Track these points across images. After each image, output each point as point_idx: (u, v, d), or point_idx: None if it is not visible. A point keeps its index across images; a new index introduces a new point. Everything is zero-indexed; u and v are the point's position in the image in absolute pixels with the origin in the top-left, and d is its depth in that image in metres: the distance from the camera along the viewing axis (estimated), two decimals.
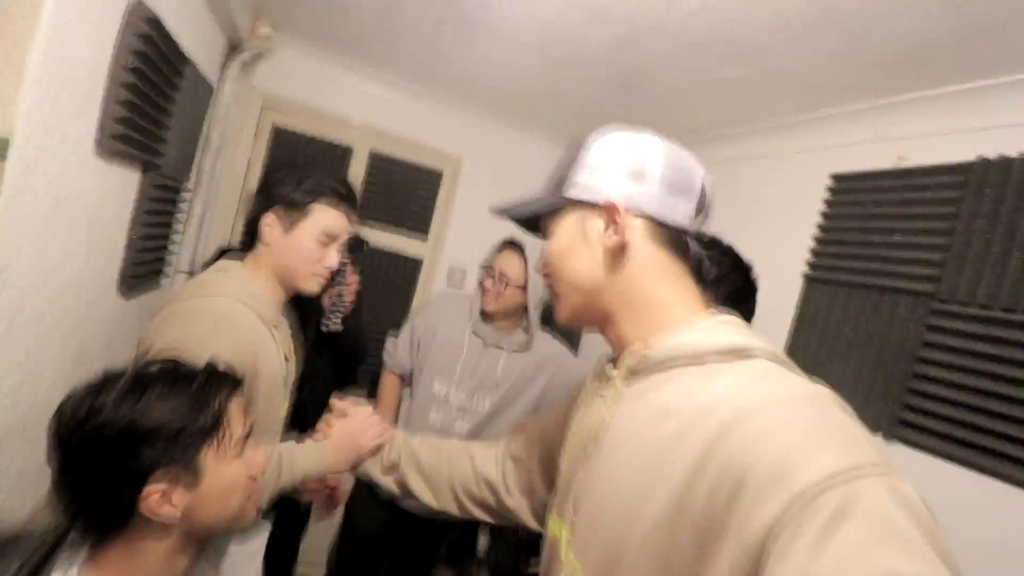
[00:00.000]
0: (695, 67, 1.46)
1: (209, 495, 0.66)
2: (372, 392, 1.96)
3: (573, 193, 0.62)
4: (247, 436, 0.73)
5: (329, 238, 1.07)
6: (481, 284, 1.63)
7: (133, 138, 1.18)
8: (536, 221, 0.70)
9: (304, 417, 1.69)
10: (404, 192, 2.34)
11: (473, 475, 0.91)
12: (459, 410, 1.64)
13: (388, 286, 2.35)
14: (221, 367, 0.73)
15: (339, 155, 2.23)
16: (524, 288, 1.61)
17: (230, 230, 2.13)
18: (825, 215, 1.53)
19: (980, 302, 1.12)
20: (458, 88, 2.17)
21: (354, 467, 0.97)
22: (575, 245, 0.62)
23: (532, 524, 0.86)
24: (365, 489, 1.71)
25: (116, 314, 1.38)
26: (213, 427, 0.67)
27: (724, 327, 0.56)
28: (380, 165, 2.29)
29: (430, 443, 0.99)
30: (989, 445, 1.06)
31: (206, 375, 0.70)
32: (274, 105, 2.13)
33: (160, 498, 0.63)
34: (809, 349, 1.46)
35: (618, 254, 0.60)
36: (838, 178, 1.52)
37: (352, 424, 0.97)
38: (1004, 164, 1.13)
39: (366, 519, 1.72)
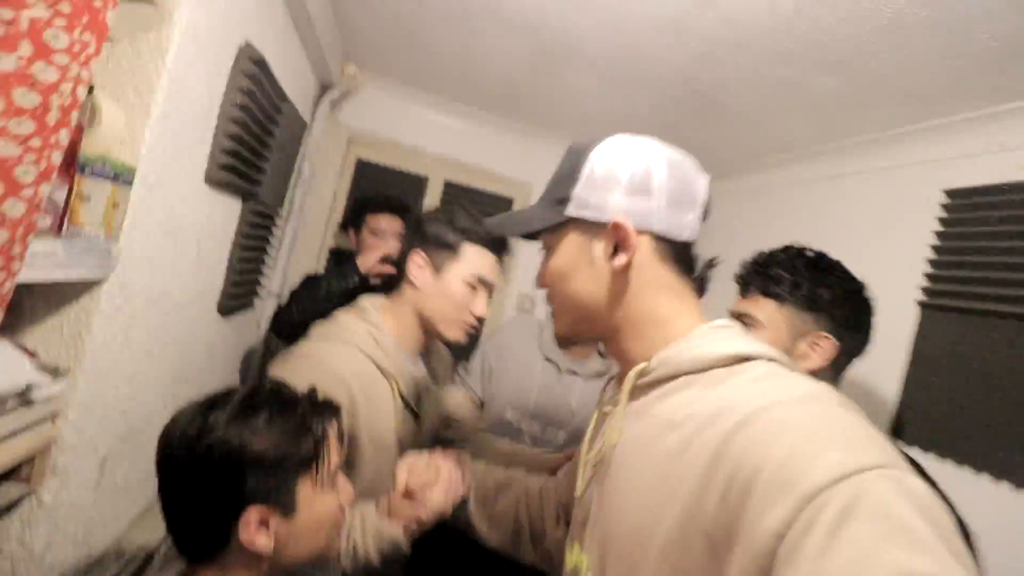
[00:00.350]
0: (783, 78, 1.39)
1: (302, 527, 0.66)
2: None
3: (575, 210, 0.59)
4: (341, 464, 0.72)
5: (479, 283, 1.00)
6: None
7: (238, 169, 1.28)
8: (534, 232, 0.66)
9: None
10: None
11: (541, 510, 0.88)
12: (532, 440, 1.60)
13: None
14: (321, 395, 0.73)
15: (415, 185, 2.31)
16: None
17: (315, 258, 2.25)
18: (941, 235, 1.37)
19: None
20: (529, 115, 2.21)
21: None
22: (578, 264, 0.60)
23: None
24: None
25: (215, 333, 1.48)
26: (313, 456, 0.66)
27: (721, 334, 0.56)
28: (453, 193, 2.35)
29: (495, 475, 0.94)
30: None
31: (309, 401, 0.70)
32: (358, 139, 2.27)
33: (258, 527, 0.63)
34: (932, 386, 1.28)
35: (624, 274, 0.58)
36: (954, 194, 1.36)
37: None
38: None
39: (431, 546, 1.68)
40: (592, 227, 0.59)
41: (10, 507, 0.83)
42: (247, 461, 0.62)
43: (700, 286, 0.62)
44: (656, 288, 0.58)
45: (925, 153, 1.48)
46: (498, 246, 1.03)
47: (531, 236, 0.66)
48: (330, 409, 0.71)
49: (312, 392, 0.72)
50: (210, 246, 1.29)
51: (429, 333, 1.03)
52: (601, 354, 1.59)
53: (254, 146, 1.36)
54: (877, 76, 1.27)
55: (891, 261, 1.47)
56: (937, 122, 1.42)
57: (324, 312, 1.58)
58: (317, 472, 0.66)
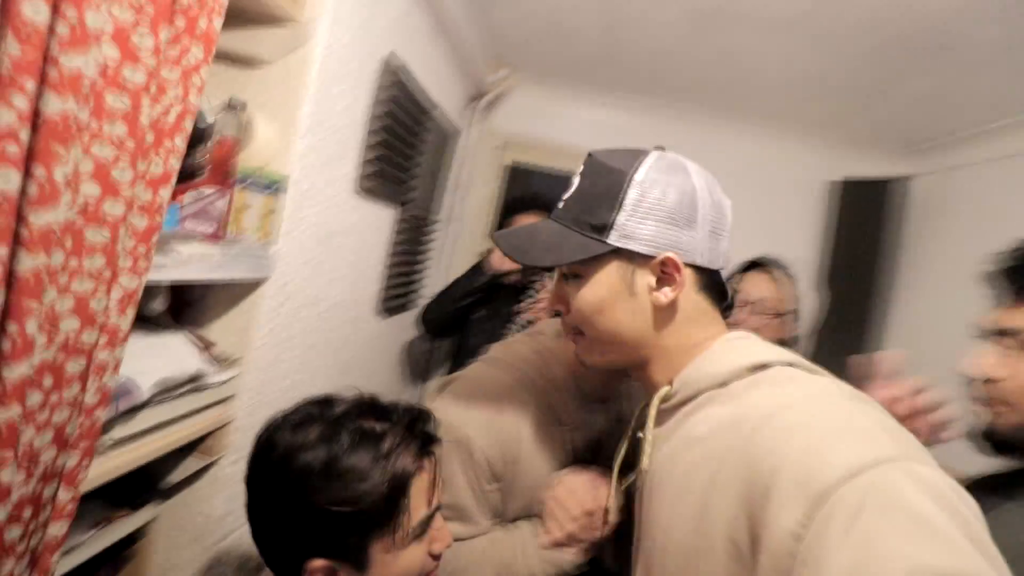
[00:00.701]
0: None
1: None
2: None
3: (620, 241, 0.55)
4: (433, 513, 0.63)
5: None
6: (736, 319, 1.36)
7: (387, 176, 1.35)
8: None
9: None
10: None
11: None
12: None
13: None
14: (418, 421, 0.64)
15: (564, 183, 2.23)
16: (784, 315, 1.29)
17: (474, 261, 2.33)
18: None
19: None
20: (689, 94, 1.97)
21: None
22: (618, 297, 0.57)
23: None
24: None
25: (375, 332, 1.60)
26: (387, 519, 0.58)
27: (736, 345, 0.56)
28: None
29: None
30: None
31: (397, 437, 0.60)
32: (511, 142, 2.28)
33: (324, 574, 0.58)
34: None
35: (668, 309, 0.56)
36: None
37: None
38: None
39: None
40: (636, 258, 0.56)
41: (195, 476, 0.97)
42: (313, 509, 0.56)
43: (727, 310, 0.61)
44: (693, 318, 0.57)
45: None
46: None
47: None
48: (423, 443, 0.62)
49: (410, 415, 0.63)
50: (366, 250, 1.39)
51: (619, 377, 0.78)
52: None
53: (403, 153, 1.43)
54: None
55: None
56: None
57: (457, 310, 1.62)
58: (394, 532, 0.58)
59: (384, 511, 0.57)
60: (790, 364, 0.52)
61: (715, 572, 0.46)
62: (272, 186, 0.93)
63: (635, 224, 0.55)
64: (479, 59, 1.87)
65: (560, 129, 2.24)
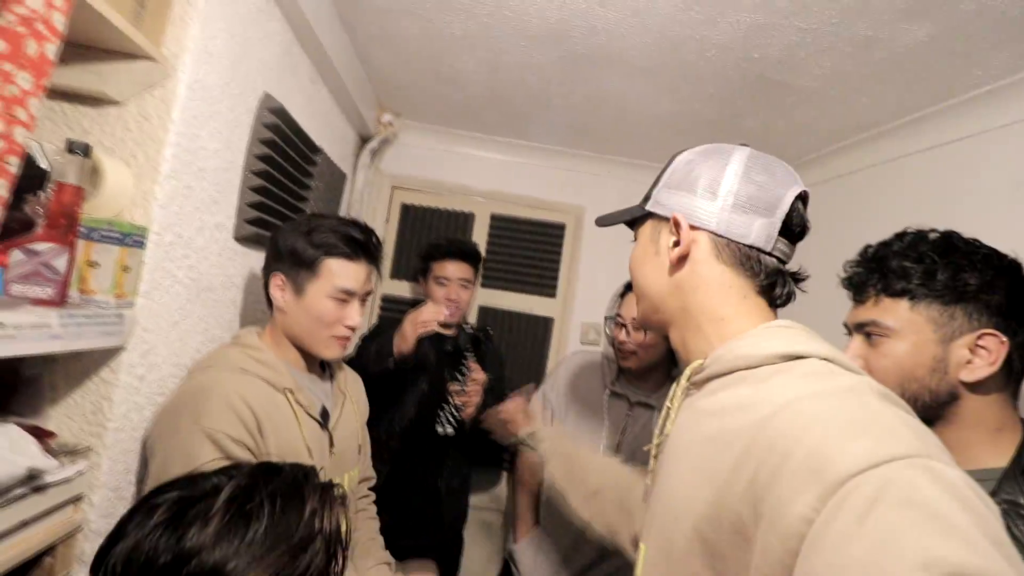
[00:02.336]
0: (861, 38, 1.18)
1: None
2: (512, 467, 1.80)
3: (650, 206, 0.66)
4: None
5: (346, 295, 0.97)
6: (613, 338, 1.42)
7: (271, 223, 1.25)
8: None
9: (437, 507, 1.59)
10: (528, 251, 2.26)
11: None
12: None
13: (521, 350, 2.24)
14: (322, 482, 0.61)
15: (462, 223, 2.25)
16: None
17: (369, 310, 2.22)
18: None
19: None
20: (572, 134, 2.10)
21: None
22: (648, 254, 0.66)
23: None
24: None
25: None
26: (322, 573, 0.55)
27: (777, 332, 0.56)
28: (502, 226, 2.26)
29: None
30: None
31: (318, 494, 0.57)
32: (401, 184, 2.25)
33: None
34: None
35: (682, 267, 0.62)
36: None
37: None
38: None
39: None
40: (662, 221, 0.65)
41: None
42: None
43: (785, 298, 0.63)
44: (716, 286, 0.60)
45: None
46: (362, 251, 0.98)
47: (631, 225, 0.73)
48: (340, 498, 0.58)
49: (312, 474, 0.59)
50: (251, 304, 1.26)
51: (310, 354, 1.00)
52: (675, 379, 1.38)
53: (287, 198, 1.33)
54: (981, 10, 1.03)
55: None
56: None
57: (379, 377, 1.45)
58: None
59: (321, 567, 0.53)
60: (827, 359, 0.52)
61: (718, 542, 0.47)
62: (127, 238, 0.80)
63: (663, 193, 0.65)
64: (363, 103, 1.84)
65: (451, 170, 2.26)
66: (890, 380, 0.74)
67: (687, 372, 0.61)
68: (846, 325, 0.84)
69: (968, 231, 0.79)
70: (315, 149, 1.49)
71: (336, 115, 1.74)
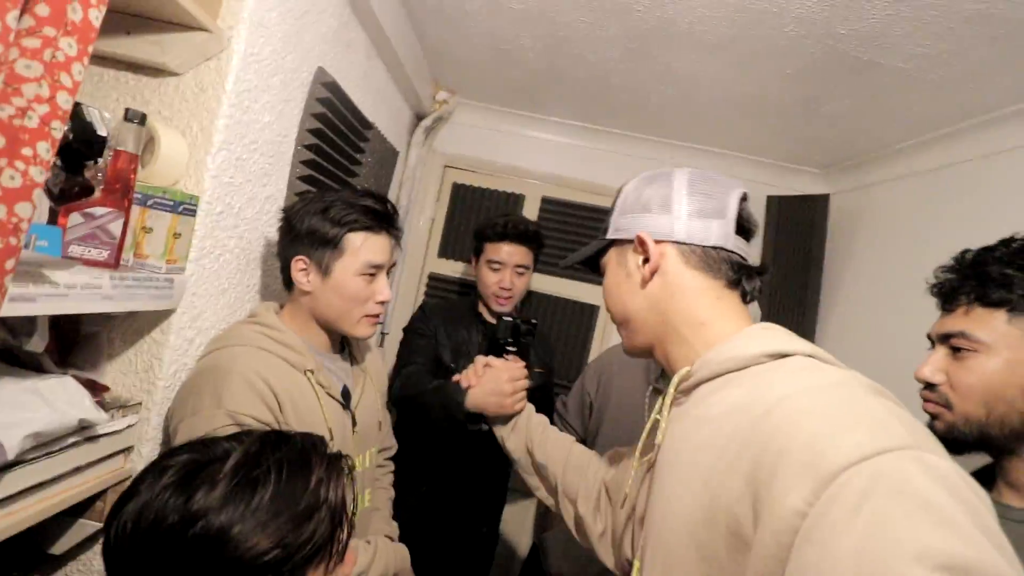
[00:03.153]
0: (970, 11, 1.03)
1: None
2: None
3: (612, 234, 0.70)
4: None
5: (375, 269, 0.95)
6: None
7: None
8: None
9: (473, 496, 1.55)
10: (578, 235, 2.20)
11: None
12: None
13: (565, 336, 2.20)
14: (333, 450, 0.61)
15: (513, 204, 2.22)
16: None
17: (417, 283, 2.25)
18: None
19: None
20: (633, 116, 2.00)
21: (488, 420, 1.00)
22: (619, 280, 0.68)
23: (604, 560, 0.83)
24: None
25: None
26: (328, 541, 0.55)
27: (762, 334, 0.57)
28: (552, 209, 2.21)
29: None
30: None
31: (325, 462, 0.58)
32: (454, 163, 2.25)
33: None
34: None
35: (656, 282, 0.64)
36: None
37: (497, 372, 0.99)
38: None
39: None
40: (626, 246, 0.68)
41: (87, 542, 0.84)
42: (247, 564, 0.50)
43: (756, 291, 0.65)
44: (691, 294, 0.62)
45: None
46: (382, 222, 0.96)
47: (590, 266, 0.76)
48: (347, 466, 0.58)
49: (321, 444, 0.59)
50: None
51: (335, 334, 1.00)
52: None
53: (339, 173, 1.35)
54: None
55: None
56: None
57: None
58: (331, 558, 0.53)
59: (326, 536, 0.54)
60: (811, 355, 0.53)
61: (715, 545, 0.47)
62: (179, 206, 0.83)
63: (620, 219, 0.68)
64: (419, 80, 1.83)
65: (504, 150, 2.23)
66: (974, 398, 0.67)
67: (675, 381, 0.61)
68: (930, 337, 0.75)
69: None
70: (368, 125, 1.49)
71: (391, 91, 1.74)
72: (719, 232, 0.62)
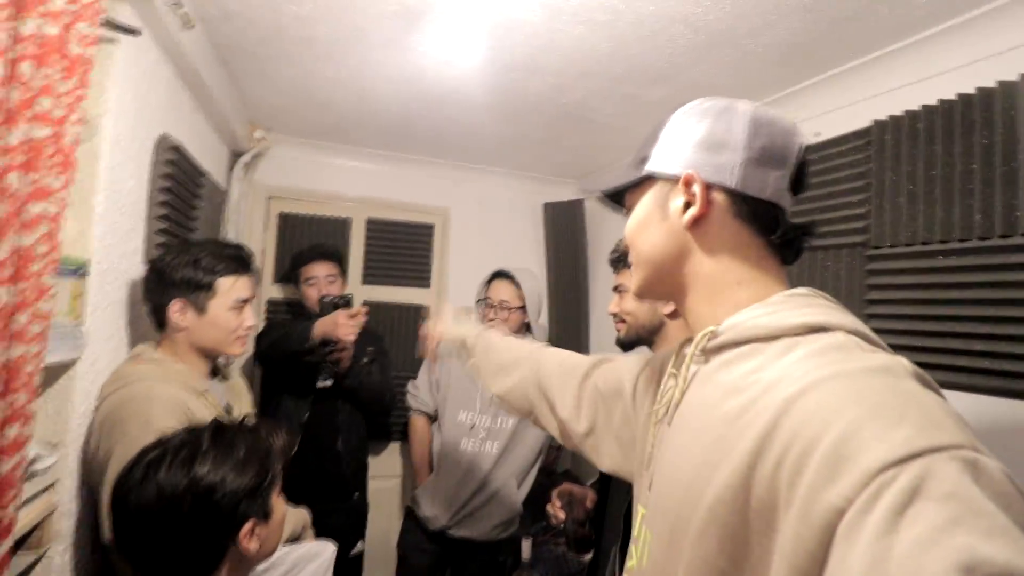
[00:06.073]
0: (625, 94, 1.71)
1: (275, 525, 0.84)
2: (405, 436, 2.14)
3: (652, 167, 0.60)
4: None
5: (243, 303, 1.19)
6: (484, 317, 1.83)
7: (171, 243, 1.42)
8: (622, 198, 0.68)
9: (339, 465, 1.87)
10: (402, 249, 2.58)
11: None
12: (487, 432, 1.82)
13: (402, 337, 2.55)
14: (262, 423, 0.93)
15: (340, 228, 2.48)
16: (522, 308, 1.82)
17: (257, 315, 2.35)
18: None
19: (904, 241, 1.28)
20: (434, 147, 2.44)
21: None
22: (652, 219, 0.60)
23: (564, 442, 0.88)
24: (414, 525, 1.86)
25: None
26: (278, 474, 0.85)
27: (798, 302, 0.53)
28: (377, 229, 2.54)
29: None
30: (946, 362, 1.19)
31: (266, 430, 0.89)
32: (278, 194, 2.41)
33: (251, 534, 0.79)
34: None
35: (696, 229, 0.57)
36: None
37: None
38: (894, 123, 1.32)
39: (418, 554, 1.86)
40: (668, 183, 0.59)
41: (25, 573, 0.95)
42: (243, 492, 0.78)
43: (795, 254, 0.59)
44: (731, 248, 0.56)
45: None
46: (244, 265, 1.21)
47: (617, 198, 0.68)
48: (275, 424, 0.90)
49: (248, 418, 0.90)
50: None
51: (211, 356, 1.22)
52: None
53: (183, 220, 1.50)
54: (695, 83, 1.60)
55: None
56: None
57: (288, 360, 1.80)
58: (279, 484, 0.85)
59: (279, 472, 0.85)
60: (853, 332, 0.48)
61: (738, 524, 0.45)
62: (78, 271, 0.99)
63: (665, 151, 0.59)
64: (236, 124, 1.98)
65: (324, 179, 2.47)
66: (636, 315, 1.22)
67: (698, 339, 0.56)
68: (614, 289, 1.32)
69: None
70: (201, 173, 1.65)
71: (211, 135, 1.87)
72: (775, 185, 0.55)
